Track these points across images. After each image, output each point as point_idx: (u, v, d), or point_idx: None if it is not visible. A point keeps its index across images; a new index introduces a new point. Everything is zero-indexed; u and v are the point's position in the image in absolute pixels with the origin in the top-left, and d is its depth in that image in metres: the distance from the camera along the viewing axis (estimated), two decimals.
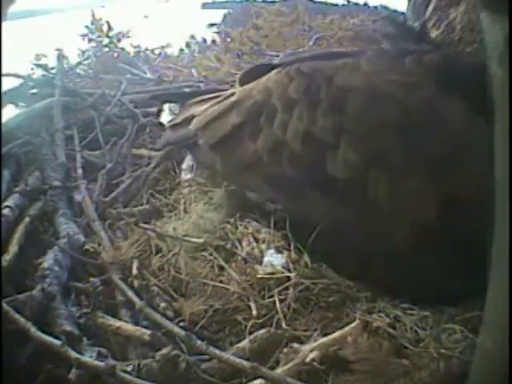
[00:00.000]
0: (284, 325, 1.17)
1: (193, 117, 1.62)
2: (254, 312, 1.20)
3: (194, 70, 2.54)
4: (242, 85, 1.63)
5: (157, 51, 2.84)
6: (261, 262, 1.26)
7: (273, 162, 1.35)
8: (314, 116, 1.30)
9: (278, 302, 1.19)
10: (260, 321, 1.19)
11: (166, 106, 1.82)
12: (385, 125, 1.18)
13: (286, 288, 1.22)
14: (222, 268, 1.30)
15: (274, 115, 1.38)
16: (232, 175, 1.50)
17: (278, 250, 1.29)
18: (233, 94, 1.58)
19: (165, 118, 1.80)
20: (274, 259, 1.25)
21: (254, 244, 1.32)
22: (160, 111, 1.84)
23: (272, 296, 1.21)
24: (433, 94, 1.17)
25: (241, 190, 1.47)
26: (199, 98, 1.73)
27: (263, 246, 1.30)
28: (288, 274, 1.22)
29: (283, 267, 1.24)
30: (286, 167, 1.32)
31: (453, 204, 1.08)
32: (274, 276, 1.23)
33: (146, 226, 1.42)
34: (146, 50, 2.82)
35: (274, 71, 1.49)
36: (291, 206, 1.32)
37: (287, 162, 1.32)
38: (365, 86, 1.27)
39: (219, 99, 1.62)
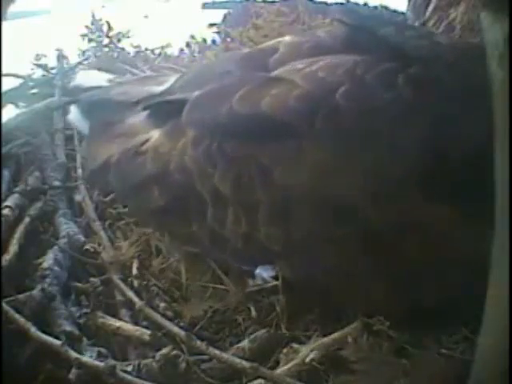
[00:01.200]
0: (284, 327, 1.17)
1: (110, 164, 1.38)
2: (254, 313, 1.20)
3: None
4: (150, 120, 1.39)
5: (157, 51, 2.84)
6: (253, 275, 1.23)
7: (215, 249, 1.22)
8: (255, 222, 1.12)
9: (277, 304, 1.19)
10: (260, 321, 1.19)
11: None
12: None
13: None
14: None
15: (205, 208, 1.18)
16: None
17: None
18: (146, 142, 1.32)
19: None
20: (263, 271, 1.21)
21: None
22: None
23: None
24: None
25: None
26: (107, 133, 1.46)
27: None
28: (276, 283, 1.18)
29: (273, 278, 1.20)
30: (229, 257, 1.22)
31: None
32: (263, 287, 1.21)
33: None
34: (146, 49, 2.81)
35: (190, 137, 1.22)
36: None
37: (230, 254, 1.19)
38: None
39: (134, 143, 1.34)
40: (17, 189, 1.57)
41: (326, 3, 3.74)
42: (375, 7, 3.53)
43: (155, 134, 1.33)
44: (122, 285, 1.29)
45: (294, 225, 1.08)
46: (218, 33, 3.26)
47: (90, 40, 2.70)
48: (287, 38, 1.37)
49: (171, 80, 1.53)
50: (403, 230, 1.01)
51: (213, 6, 3.70)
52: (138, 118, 1.44)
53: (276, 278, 1.18)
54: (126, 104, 1.50)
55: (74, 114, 1.63)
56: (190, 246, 1.30)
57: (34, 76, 2.33)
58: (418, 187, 1.00)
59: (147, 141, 1.33)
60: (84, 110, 1.59)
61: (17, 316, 1.16)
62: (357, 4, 3.68)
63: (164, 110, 1.36)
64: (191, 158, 1.21)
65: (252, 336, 1.16)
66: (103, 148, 1.43)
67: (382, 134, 1.04)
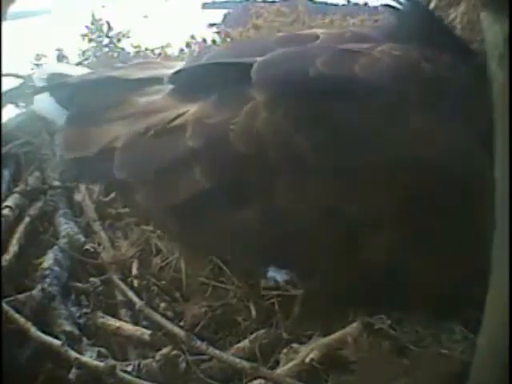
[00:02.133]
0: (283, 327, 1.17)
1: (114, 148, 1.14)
2: (254, 313, 1.20)
3: None
4: (177, 95, 1.16)
5: (157, 51, 2.84)
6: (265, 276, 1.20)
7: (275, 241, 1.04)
8: (341, 193, 1.00)
9: (276, 305, 1.19)
10: (260, 321, 1.19)
11: None
12: None
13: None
14: (221, 268, 1.30)
15: (272, 177, 1.02)
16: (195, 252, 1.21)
17: None
18: (180, 117, 1.10)
19: None
20: (276, 274, 1.18)
21: None
22: None
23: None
24: None
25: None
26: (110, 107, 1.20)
27: None
28: (294, 293, 1.18)
29: (286, 283, 1.20)
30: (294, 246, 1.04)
31: None
32: (276, 293, 1.20)
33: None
34: (146, 49, 2.81)
35: (263, 100, 1.05)
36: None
37: (297, 241, 1.03)
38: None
39: (157, 121, 1.12)
40: (17, 189, 1.56)
41: (326, 3, 3.74)
42: (375, 7, 3.53)
43: (192, 108, 1.12)
44: (122, 285, 1.29)
45: (388, 195, 0.98)
46: (217, 33, 3.26)
47: (90, 40, 2.70)
48: (320, 30, 1.25)
49: (180, 65, 1.28)
50: None
51: (213, 5, 3.70)
52: (155, 96, 1.20)
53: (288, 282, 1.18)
54: (130, 84, 1.24)
55: (44, 102, 1.32)
56: (227, 241, 1.09)
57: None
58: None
59: (182, 114, 1.11)
60: (63, 97, 1.29)
61: (17, 316, 1.16)
62: (357, 4, 3.68)
63: (203, 78, 1.16)
64: (265, 121, 1.04)
65: (252, 336, 1.16)
66: (98, 133, 1.19)
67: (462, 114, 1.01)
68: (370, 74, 1.04)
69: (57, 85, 1.31)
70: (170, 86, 1.18)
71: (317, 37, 1.19)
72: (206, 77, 1.15)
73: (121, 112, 1.20)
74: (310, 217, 1.01)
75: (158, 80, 1.23)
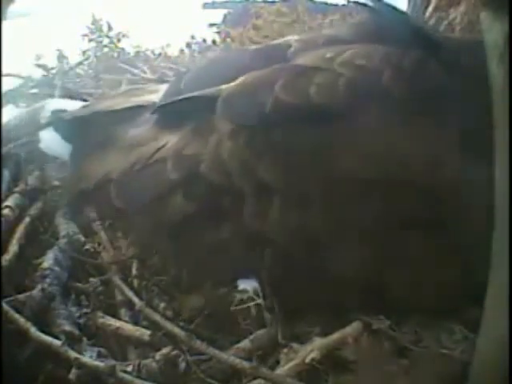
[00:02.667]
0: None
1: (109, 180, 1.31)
2: (254, 313, 1.20)
3: None
4: (159, 127, 1.32)
5: (157, 51, 2.84)
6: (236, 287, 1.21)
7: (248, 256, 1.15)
8: (306, 212, 1.08)
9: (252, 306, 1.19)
10: (260, 322, 1.19)
11: None
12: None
13: None
14: None
15: (242, 200, 1.12)
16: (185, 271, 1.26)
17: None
18: (160, 150, 1.25)
19: None
20: (246, 285, 1.20)
21: None
22: None
23: None
24: None
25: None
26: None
27: None
28: (258, 302, 1.17)
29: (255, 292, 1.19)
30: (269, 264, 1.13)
31: None
32: (245, 305, 1.19)
33: None
34: (146, 50, 2.82)
35: (222, 127, 1.18)
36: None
37: (271, 259, 1.12)
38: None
39: (142, 155, 1.27)
40: (17, 189, 1.56)
41: (325, 3, 3.74)
42: None
43: (172, 139, 1.26)
44: (122, 285, 1.29)
45: (352, 211, 1.06)
46: (218, 33, 3.26)
47: (90, 40, 2.70)
48: (295, 37, 1.35)
49: (162, 88, 1.45)
50: None
51: (213, 5, 3.70)
52: (141, 127, 1.35)
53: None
54: (119, 116, 1.41)
55: (51, 139, 1.52)
56: (213, 259, 1.20)
57: (34, 76, 2.33)
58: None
59: (162, 147, 1.25)
60: (65, 133, 1.48)
61: (17, 316, 1.16)
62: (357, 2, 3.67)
63: (179, 110, 1.29)
64: (229, 151, 1.15)
65: (252, 336, 1.16)
66: (96, 166, 1.34)
67: (434, 114, 1.06)
68: (324, 97, 1.11)
69: (57, 121, 1.51)
70: (154, 117, 1.34)
71: (289, 46, 1.28)
72: (182, 109, 1.28)
73: (113, 145, 1.36)
74: (274, 237, 1.11)
75: (142, 108, 1.40)
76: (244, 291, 1.20)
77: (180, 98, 1.31)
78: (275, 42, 1.42)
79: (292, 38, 1.34)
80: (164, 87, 1.46)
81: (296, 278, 1.13)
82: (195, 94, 1.28)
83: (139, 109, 1.41)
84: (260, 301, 1.17)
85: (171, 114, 1.31)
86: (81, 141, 1.44)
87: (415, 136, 1.05)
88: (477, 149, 0.93)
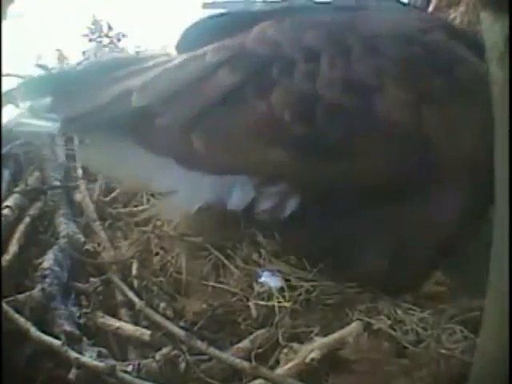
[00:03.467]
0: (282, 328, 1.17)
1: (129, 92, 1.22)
2: (254, 313, 1.20)
3: None
4: (182, 50, 1.35)
5: (157, 51, 2.83)
6: (257, 281, 1.23)
7: (301, 118, 1.16)
8: (348, 63, 1.16)
9: (276, 305, 1.19)
10: (260, 321, 1.19)
11: None
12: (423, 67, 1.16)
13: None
14: (222, 267, 1.30)
15: (292, 67, 1.17)
16: (222, 156, 1.21)
17: (274, 273, 1.25)
18: (193, 54, 1.25)
19: None
20: (270, 281, 1.22)
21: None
22: None
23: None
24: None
25: (234, 173, 1.22)
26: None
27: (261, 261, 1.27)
28: (285, 305, 1.18)
29: (279, 291, 1.21)
30: (320, 122, 1.15)
31: None
32: (269, 303, 1.19)
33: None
34: (146, 50, 2.81)
35: (266, 24, 1.25)
36: (318, 172, 1.16)
37: (323, 115, 1.15)
38: (393, 33, 1.20)
39: (164, 66, 1.26)
40: (17, 189, 1.56)
41: (325, 3, 3.72)
42: None
43: (203, 49, 1.26)
44: (122, 285, 1.29)
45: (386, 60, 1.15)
46: None
47: (90, 40, 2.70)
48: None
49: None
50: None
51: (213, 6, 3.69)
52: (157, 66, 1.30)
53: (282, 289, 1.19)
54: (118, 64, 1.37)
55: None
56: (263, 127, 1.18)
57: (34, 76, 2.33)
58: None
59: (193, 55, 1.26)
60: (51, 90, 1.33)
61: (17, 316, 1.16)
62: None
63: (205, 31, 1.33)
64: (275, 30, 1.24)
65: (252, 336, 1.16)
66: (106, 91, 1.25)
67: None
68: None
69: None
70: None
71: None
72: (212, 29, 1.33)
73: (129, 72, 1.28)
74: (324, 92, 1.16)
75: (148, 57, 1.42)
76: (265, 284, 1.21)
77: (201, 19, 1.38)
78: None
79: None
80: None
81: (345, 126, 1.15)
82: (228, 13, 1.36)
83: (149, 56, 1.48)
84: (287, 304, 1.18)
85: (196, 38, 1.34)
86: (72, 90, 1.31)
87: None
88: None
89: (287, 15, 1.28)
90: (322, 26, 1.23)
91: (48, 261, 1.32)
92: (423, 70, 1.16)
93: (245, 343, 1.15)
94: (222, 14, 1.35)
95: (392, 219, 1.18)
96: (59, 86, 1.34)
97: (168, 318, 1.21)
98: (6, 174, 1.63)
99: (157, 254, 1.36)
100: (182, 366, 1.10)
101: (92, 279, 1.32)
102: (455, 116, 1.13)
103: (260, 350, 1.14)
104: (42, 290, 1.24)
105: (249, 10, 1.35)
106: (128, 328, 1.21)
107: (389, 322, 1.13)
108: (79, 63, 2.52)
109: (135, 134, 1.23)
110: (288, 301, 1.18)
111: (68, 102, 1.29)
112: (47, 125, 1.36)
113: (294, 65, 1.17)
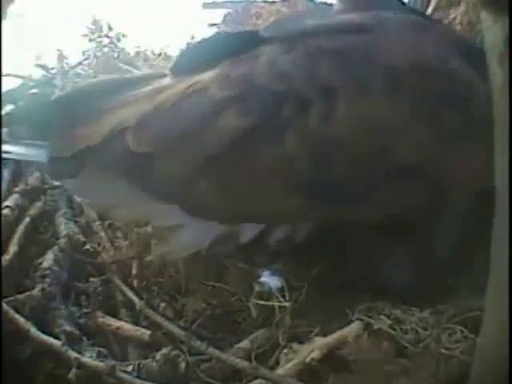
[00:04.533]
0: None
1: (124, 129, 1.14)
2: (254, 313, 1.20)
3: None
4: (179, 72, 1.22)
5: (157, 51, 2.84)
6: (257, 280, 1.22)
7: (317, 164, 1.09)
8: (367, 102, 1.07)
9: (276, 306, 1.19)
10: (260, 321, 1.19)
11: None
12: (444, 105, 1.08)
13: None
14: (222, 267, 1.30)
15: (307, 106, 1.08)
16: (234, 205, 1.14)
17: (274, 273, 1.23)
18: (197, 83, 1.14)
19: None
20: (270, 281, 1.21)
21: None
22: None
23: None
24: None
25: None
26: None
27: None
28: (284, 304, 1.17)
29: (279, 291, 1.20)
30: (338, 168, 1.08)
31: None
32: (269, 303, 1.19)
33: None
34: (146, 50, 2.81)
35: (276, 50, 1.15)
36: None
37: (341, 160, 1.08)
38: (415, 62, 1.09)
39: (173, 94, 1.15)
40: (17, 189, 1.56)
41: (325, 3, 3.73)
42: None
43: (208, 74, 1.15)
44: (122, 285, 1.29)
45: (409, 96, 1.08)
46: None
47: (90, 40, 2.70)
48: None
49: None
50: None
51: (213, 5, 3.70)
52: (152, 85, 1.22)
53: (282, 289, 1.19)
54: (114, 85, 1.27)
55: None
56: (276, 176, 1.10)
57: (34, 76, 2.33)
58: None
59: (196, 83, 1.14)
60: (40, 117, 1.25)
61: (17, 316, 1.16)
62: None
63: (206, 53, 1.21)
64: (289, 61, 1.12)
65: (252, 336, 1.16)
66: (98, 124, 1.16)
67: None
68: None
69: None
70: (167, 75, 1.23)
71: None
72: (212, 49, 1.21)
73: (121, 101, 1.19)
74: (341, 135, 1.09)
75: (147, 76, 1.30)
76: (264, 284, 1.20)
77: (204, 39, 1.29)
78: None
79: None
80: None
81: (361, 174, 1.10)
82: (228, 32, 1.34)
83: (141, 78, 1.30)
84: (287, 304, 1.17)
85: (198, 57, 1.22)
86: (65, 117, 1.22)
87: None
88: None
89: (295, 40, 1.17)
90: (337, 55, 1.12)
91: (48, 261, 1.32)
92: (443, 107, 1.08)
93: (245, 343, 1.15)
94: (222, 34, 1.32)
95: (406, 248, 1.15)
96: (46, 114, 1.26)
97: (168, 318, 1.21)
98: (5, 173, 1.63)
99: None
100: (182, 365, 1.10)
101: (92, 279, 1.32)
102: (471, 156, 1.07)
103: (260, 350, 1.14)
104: (42, 289, 1.24)
105: (252, 31, 1.29)
106: (128, 328, 1.21)
107: (389, 321, 1.12)
108: (79, 63, 2.53)
109: (133, 178, 1.16)
110: (288, 301, 1.18)
111: (57, 136, 1.21)
112: (32, 153, 1.29)
113: (309, 103, 1.08)
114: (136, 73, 1.33)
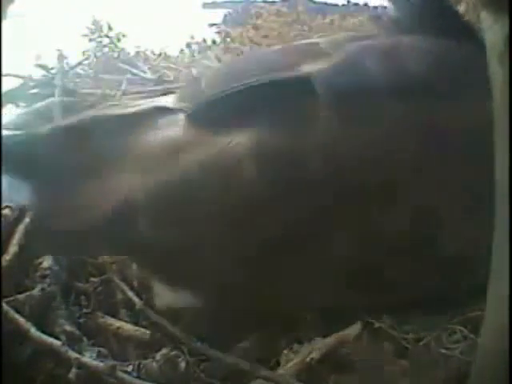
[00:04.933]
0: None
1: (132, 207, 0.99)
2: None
3: (194, 70, 2.54)
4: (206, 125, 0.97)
5: (157, 51, 2.84)
6: None
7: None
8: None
9: None
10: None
11: None
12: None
13: None
14: None
15: (365, 205, 0.95)
16: None
17: None
18: (225, 151, 0.92)
19: None
20: None
21: None
22: None
23: None
24: None
25: None
26: None
27: None
28: None
29: None
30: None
31: None
32: None
33: None
34: (146, 50, 2.82)
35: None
36: None
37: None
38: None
39: (193, 160, 0.95)
40: None
41: (325, 3, 3.74)
42: (375, 7, 3.53)
43: (239, 136, 0.92)
44: (122, 285, 1.29)
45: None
46: (218, 33, 3.26)
47: (90, 40, 2.70)
48: (316, 38, 1.29)
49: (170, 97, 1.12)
50: None
51: (213, 5, 3.70)
52: (163, 133, 1.00)
53: None
54: (122, 123, 1.05)
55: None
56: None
57: (34, 76, 2.33)
58: None
59: (222, 149, 0.92)
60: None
61: (17, 316, 1.16)
62: (357, 4, 3.68)
63: (236, 104, 0.95)
64: (343, 136, 0.91)
65: (252, 336, 1.16)
66: (98, 191, 1.00)
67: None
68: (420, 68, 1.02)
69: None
70: (181, 120, 1.00)
71: (318, 43, 1.12)
72: (244, 100, 0.96)
73: (122, 161, 0.99)
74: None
75: (155, 111, 1.05)
76: None
77: (239, 86, 0.97)
78: (299, 42, 1.31)
79: (314, 39, 1.25)
80: (160, 98, 1.15)
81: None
82: (252, 81, 0.97)
83: (150, 113, 1.06)
84: None
85: (223, 110, 0.97)
86: (61, 160, 1.05)
87: None
88: None
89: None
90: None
91: (48, 261, 1.32)
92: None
93: (245, 343, 1.15)
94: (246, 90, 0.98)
95: None
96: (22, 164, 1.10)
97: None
98: None
99: None
100: (182, 365, 1.10)
101: (92, 279, 1.32)
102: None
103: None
104: (42, 289, 1.23)
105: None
106: (128, 328, 1.21)
107: (389, 321, 1.12)
108: (79, 63, 2.53)
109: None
110: None
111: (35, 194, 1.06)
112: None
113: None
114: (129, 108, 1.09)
